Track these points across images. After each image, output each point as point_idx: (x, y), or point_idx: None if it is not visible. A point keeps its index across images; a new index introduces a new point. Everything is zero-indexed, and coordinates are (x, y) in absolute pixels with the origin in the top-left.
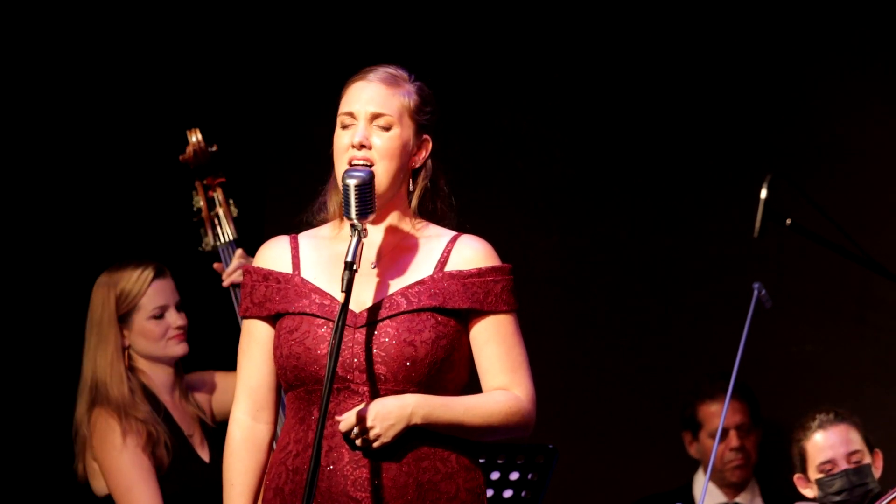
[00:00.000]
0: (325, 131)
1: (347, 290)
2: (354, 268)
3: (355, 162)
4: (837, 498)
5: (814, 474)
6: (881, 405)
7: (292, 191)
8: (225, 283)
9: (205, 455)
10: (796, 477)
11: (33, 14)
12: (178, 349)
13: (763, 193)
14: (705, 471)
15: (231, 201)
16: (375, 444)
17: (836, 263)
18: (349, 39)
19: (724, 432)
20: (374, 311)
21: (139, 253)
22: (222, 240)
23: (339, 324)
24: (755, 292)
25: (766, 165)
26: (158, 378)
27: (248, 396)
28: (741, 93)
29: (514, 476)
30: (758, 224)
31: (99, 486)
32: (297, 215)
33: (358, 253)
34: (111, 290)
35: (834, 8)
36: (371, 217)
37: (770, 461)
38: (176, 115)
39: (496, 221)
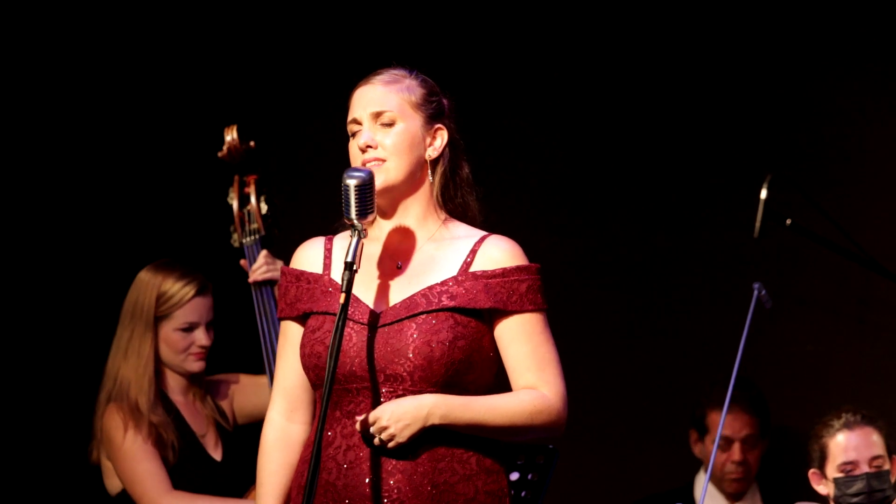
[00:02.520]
0: (325, 131)
1: (347, 290)
2: (355, 268)
3: (369, 165)
4: (855, 500)
5: (833, 473)
6: (881, 405)
7: (293, 191)
8: (251, 280)
9: (217, 455)
10: (811, 472)
11: (75, 15)
12: (195, 366)
13: (763, 193)
14: (706, 472)
15: (262, 198)
16: (390, 445)
17: (836, 263)
18: (349, 40)
19: (729, 443)
20: (394, 311)
21: (174, 250)
22: (249, 237)
23: (339, 324)
24: (755, 292)
25: (766, 165)
26: (173, 379)
27: (282, 397)
28: (742, 93)
29: (515, 476)
30: (758, 224)
31: (111, 485)
32: (297, 215)
33: (358, 253)
34: (154, 289)
35: (834, 8)
36: (371, 217)
37: (771, 464)
38: (217, 112)
39: (496, 222)
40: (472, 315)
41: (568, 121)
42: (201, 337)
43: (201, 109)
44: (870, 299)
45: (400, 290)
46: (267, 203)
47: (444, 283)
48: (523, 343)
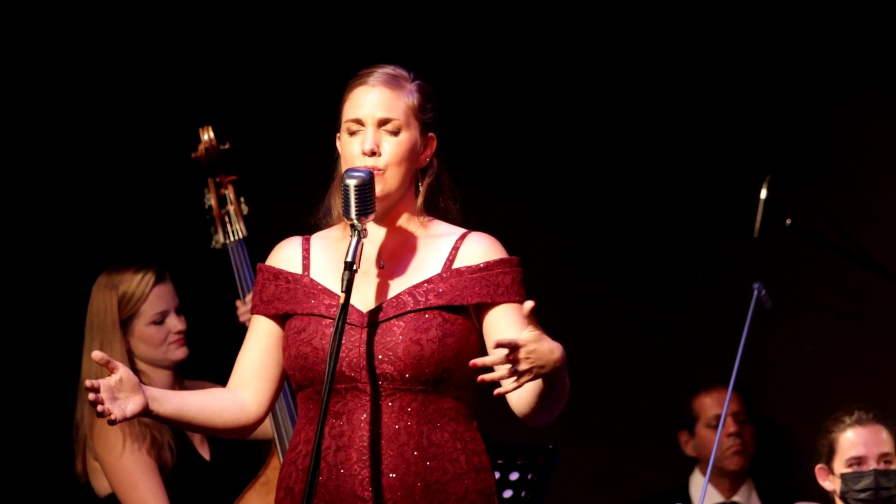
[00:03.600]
0: (323, 131)
1: (347, 290)
2: (354, 268)
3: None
4: (861, 495)
5: (840, 468)
6: (881, 405)
7: (292, 190)
8: (241, 320)
9: (205, 453)
10: (818, 467)
11: (49, 14)
12: (179, 353)
13: (763, 193)
14: (703, 467)
15: (242, 199)
16: (522, 380)
17: (836, 263)
18: (351, 39)
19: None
20: (381, 311)
21: (150, 251)
22: (232, 238)
23: (339, 324)
24: (755, 292)
25: (766, 165)
26: (159, 380)
27: (232, 376)
28: (742, 93)
29: (514, 476)
30: (758, 224)
31: (100, 486)
32: (296, 214)
33: (358, 253)
34: (112, 293)
35: (834, 8)
36: (371, 217)
37: (768, 460)
38: (189, 112)
39: (496, 222)
40: (458, 312)
41: (567, 121)
42: (175, 323)
43: (176, 110)
44: (870, 299)
45: (384, 290)
46: (247, 204)
47: (429, 280)
48: (519, 330)
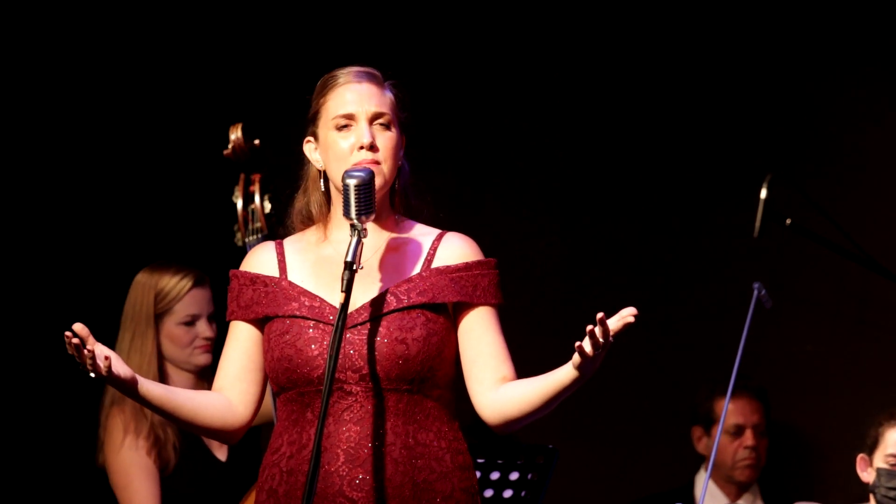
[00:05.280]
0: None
1: (347, 291)
2: (354, 268)
3: (366, 165)
4: (891, 493)
5: (879, 462)
6: (881, 405)
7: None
8: None
9: (222, 455)
10: (860, 457)
11: (81, 14)
12: (202, 359)
13: (763, 193)
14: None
15: (266, 197)
16: (597, 352)
17: (836, 263)
18: (349, 39)
19: (741, 430)
20: (364, 311)
21: (180, 249)
22: (251, 236)
23: (339, 324)
24: (755, 292)
25: (766, 165)
26: (182, 383)
27: (215, 381)
28: (742, 93)
29: (514, 476)
30: (758, 224)
31: None
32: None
33: (358, 253)
34: (150, 288)
35: (834, 9)
36: (371, 216)
37: (771, 463)
38: (221, 110)
39: (496, 221)
40: (439, 311)
41: (567, 121)
42: (204, 329)
43: (206, 108)
44: (870, 299)
45: (364, 290)
46: (271, 202)
47: (409, 280)
48: (495, 334)
